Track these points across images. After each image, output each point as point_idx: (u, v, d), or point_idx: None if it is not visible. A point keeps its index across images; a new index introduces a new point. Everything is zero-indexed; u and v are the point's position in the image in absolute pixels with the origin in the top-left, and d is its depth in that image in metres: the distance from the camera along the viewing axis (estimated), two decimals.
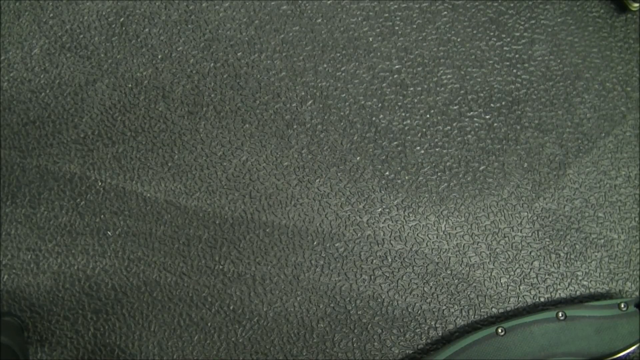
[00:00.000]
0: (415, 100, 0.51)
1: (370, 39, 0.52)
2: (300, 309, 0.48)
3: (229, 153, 0.50)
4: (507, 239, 0.50)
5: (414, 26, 0.53)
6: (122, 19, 0.53)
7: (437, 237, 0.49)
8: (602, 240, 0.50)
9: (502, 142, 0.51)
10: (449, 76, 0.52)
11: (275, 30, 0.52)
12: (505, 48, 0.53)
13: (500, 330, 0.45)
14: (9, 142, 0.50)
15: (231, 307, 0.48)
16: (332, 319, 0.48)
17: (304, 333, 0.48)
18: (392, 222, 0.50)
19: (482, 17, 0.53)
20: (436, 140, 0.51)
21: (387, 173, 0.50)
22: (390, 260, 0.49)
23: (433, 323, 0.48)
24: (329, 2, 0.53)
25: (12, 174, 0.50)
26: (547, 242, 0.49)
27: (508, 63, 0.52)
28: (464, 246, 0.49)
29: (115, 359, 0.47)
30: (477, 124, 0.51)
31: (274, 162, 0.50)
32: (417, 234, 0.49)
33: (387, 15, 0.53)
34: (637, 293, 0.49)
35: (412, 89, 0.52)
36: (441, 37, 0.53)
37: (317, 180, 0.50)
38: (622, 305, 0.45)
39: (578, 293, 0.49)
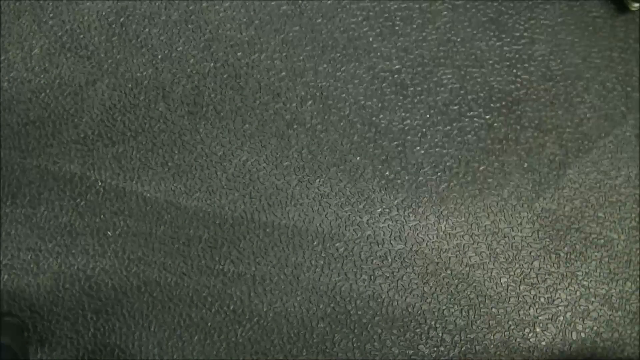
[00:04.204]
0: (415, 100, 0.51)
1: (370, 39, 0.52)
2: (300, 309, 0.48)
3: (229, 153, 0.50)
4: (507, 239, 0.50)
5: (414, 26, 0.53)
6: (122, 19, 0.53)
7: (437, 237, 0.49)
8: (602, 240, 0.50)
9: (502, 142, 0.51)
10: (449, 76, 0.52)
11: (275, 30, 0.52)
12: (505, 48, 0.53)
13: None
14: (9, 142, 0.50)
15: (231, 307, 0.48)
16: (332, 319, 0.48)
17: (304, 333, 0.48)
18: (392, 222, 0.50)
19: (482, 17, 0.53)
20: (436, 140, 0.51)
21: (387, 173, 0.50)
22: (390, 260, 0.49)
23: (433, 323, 0.48)
24: (329, 2, 0.53)
25: (12, 174, 0.50)
26: (547, 242, 0.49)
27: (508, 63, 0.52)
28: (464, 246, 0.49)
29: (115, 359, 0.47)
30: (477, 124, 0.51)
31: (274, 162, 0.50)
32: (417, 234, 0.49)
33: (387, 15, 0.53)
34: (637, 293, 0.49)
35: (412, 89, 0.52)
36: (441, 37, 0.53)
37: (317, 180, 0.50)
38: None
39: (578, 293, 0.49)
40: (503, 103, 0.52)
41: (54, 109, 0.51)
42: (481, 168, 0.51)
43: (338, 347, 0.48)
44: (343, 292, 0.48)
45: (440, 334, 0.48)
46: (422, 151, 0.51)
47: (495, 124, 0.51)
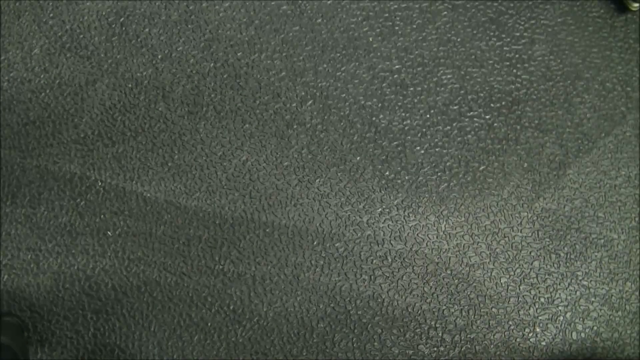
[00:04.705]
0: (415, 100, 0.51)
1: (370, 39, 0.52)
2: (300, 309, 0.48)
3: (229, 153, 0.50)
4: (507, 239, 0.50)
5: (414, 26, 0.53)
6: (122, 19, 0.53)
7: (437, 237, 0.49)
8: (602, 240, 0.50)
9: (502, 142, 0.51)
10: (449, 76, 0.52)
11: (275, 30, 0.52)
12: (505, 48, 0.53)
13: None
14: (9, 142, 0.50)
15: (231, 307, 0.48)
16: (332, 319, 0.48)
17: (304, 333, 0.48)
18: (392, 222, 0.49)
19: (482, 17, 0.53)
20: (436, 140, 0.51)
21: (387, 173, 0.50)
22: (390, 260, 0.49)
23: (433, 323, 0.48)
24: (329, 2, 0.53)
25: (12, 174, 0.50)
26: (547, 242, 0.49)
27: (508, 63, 0.52)
28: (464, 246, 0.49)
29: (115, 359, 0.47)
30: (477, 124, 0.51)
31: (274, 162, 0.50)
32: (417, 234, 0.49)
33: (387, 15, 0.53)
34: (637, 293, 0.49)
35: (412, 89, 0.52)
36: (441, 37, 0.53)
37: (317, 180, 0.50)
38: None
39: (578, 293, 0.49)
40: (503, 103, 0.52)
41: (54, 109, 0.51)
42: (481, 168, 0.51)
43: (338, 347, 0.48)
44: (343, 292, 0.48)
45: (440, 334, 0.48)
46: (422, 151, 0.51)
47: (495, 124, 0.51)
